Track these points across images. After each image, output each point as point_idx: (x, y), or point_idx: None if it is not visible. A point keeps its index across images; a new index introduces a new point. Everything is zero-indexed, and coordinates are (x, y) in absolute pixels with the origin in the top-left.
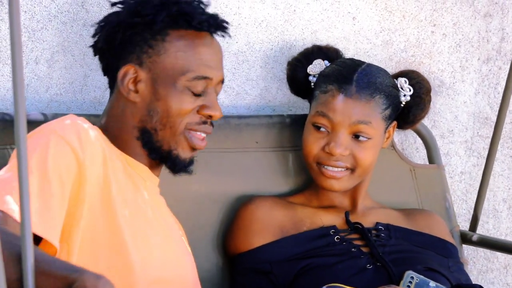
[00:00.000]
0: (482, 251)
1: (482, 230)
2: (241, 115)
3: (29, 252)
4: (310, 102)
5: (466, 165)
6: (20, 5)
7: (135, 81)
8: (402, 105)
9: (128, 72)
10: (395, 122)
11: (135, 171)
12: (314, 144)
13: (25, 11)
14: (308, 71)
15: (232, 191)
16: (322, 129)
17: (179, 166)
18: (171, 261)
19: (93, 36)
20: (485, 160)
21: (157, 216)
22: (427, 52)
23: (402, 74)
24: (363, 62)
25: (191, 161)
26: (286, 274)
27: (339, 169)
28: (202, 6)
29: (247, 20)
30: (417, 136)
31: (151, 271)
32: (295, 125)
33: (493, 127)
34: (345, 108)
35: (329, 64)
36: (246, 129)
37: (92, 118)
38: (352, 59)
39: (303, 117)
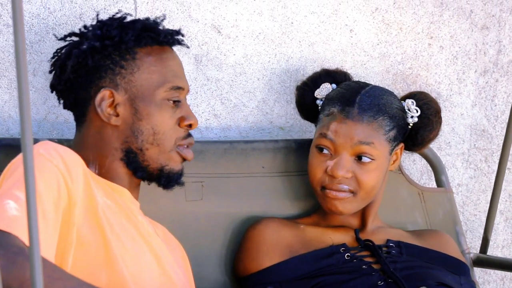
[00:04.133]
0: None
1: (479, 242)
2: (247, 139)
3: (38, 278)
4: (316, 126)
5: (463, 177)
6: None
7: (113, 105)
8: (409, 127)
9: (104, 97)
10: (402, 144)
11: (116, 193)
12: (317, 167)
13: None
14: (315, 95)
15: (239, 215)
16: (325, 151)
17: (173, 180)
18: (160, 278)
19: (51, 72)
20: (481, 172)
21: (142, 234)
22: (424, 64)
23: (410, 95)
24: (368, 85)
25: (182, 173)
26: None
27: (342, 192)
28: (158, 21)
29: (245, 32)
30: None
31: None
32: (301, 150)
33: (490, 139)
34: (347, 130)
35: (336, 87)
36: (253, 154)
37: None
38: (357, 82)
39: (309, 141)
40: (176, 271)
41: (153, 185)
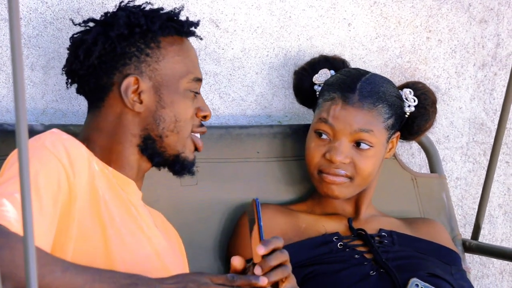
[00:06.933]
0: (477, 257)
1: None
2: (242, 125)
3: (33, 275)
4: (314, 111)
5: (461, 171)
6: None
7: (137, 92)
8: (406, 116)
9: (130, 83)
10: (398, 133)
11: (120, 185)
12: (315, 151)
13: (21, 18)
14: (313, 80)
15: (234, 201)
16: (324, 136)
17: (186, 167)
18: (159, 272)
19: (74, 58)
20: (480, 166)
21: (141, 228)
22: (422, 58)
23: (407, 85)
24: (368, 72)
25: (194, 162)
26: None
27: (339, 177)
28: (177, 12)
29: (243, 27)
30: (413, 142)
31: None
32: (296, 135)
33: (488, 132)
34: (347, 116)
35: (335, 73)
36: (248, 139)
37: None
38: (357, 69)
39: (305, 127)
40: (174, 264)
41: (148, 170)
